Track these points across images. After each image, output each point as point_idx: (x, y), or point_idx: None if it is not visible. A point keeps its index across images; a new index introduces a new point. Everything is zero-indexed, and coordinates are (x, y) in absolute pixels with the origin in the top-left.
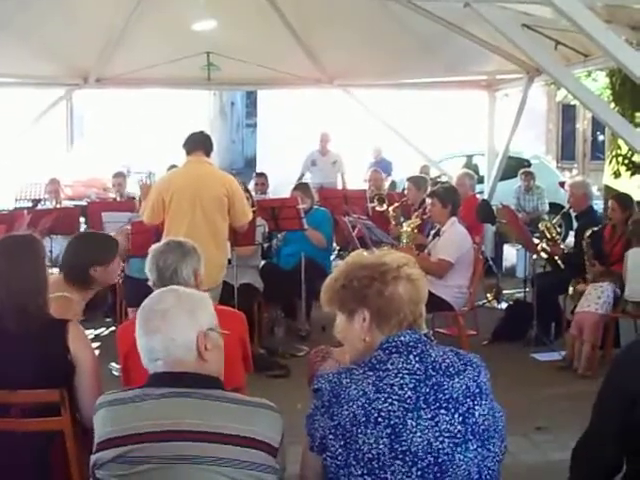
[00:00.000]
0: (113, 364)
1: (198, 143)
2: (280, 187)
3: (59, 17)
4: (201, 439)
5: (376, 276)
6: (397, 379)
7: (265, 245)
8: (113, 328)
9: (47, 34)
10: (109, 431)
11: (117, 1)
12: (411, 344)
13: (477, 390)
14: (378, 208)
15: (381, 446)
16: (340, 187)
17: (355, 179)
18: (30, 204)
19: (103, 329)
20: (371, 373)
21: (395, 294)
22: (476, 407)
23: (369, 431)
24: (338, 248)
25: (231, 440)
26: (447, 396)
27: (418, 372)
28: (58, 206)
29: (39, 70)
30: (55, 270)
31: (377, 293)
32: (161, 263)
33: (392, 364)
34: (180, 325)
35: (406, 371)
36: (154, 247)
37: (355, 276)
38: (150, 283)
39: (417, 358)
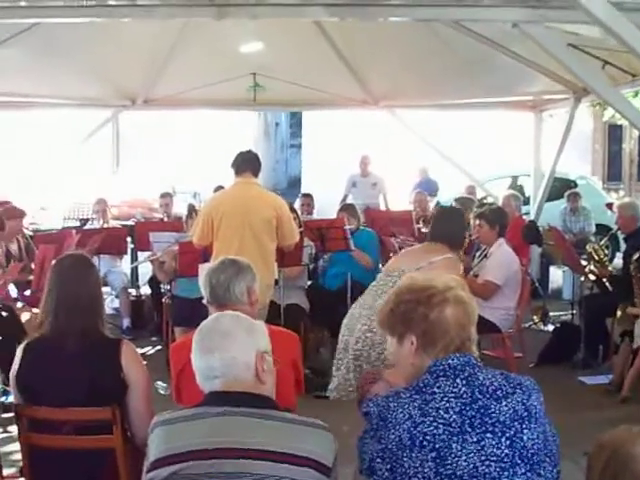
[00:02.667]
0: (159, 383)
1: (247, 164)
2: (325, 208)
3: (107, 40)
4: (256, 457)
5: (422, 300)
6: (443, 402)
7: (311, 266)
8: (159, 347)
9: (95, 56)
10: (164, 449)
11: (164, 23)
12: (459, 367)
13: (526, 413)
14: (424, 230)
15: (426, 470)
16: (383, 208)
17: (400, 200)
18: (78, 224)
19: (149, 348)
20: (417, 397)
21: (441, 318)
22: (524, 431)
23: (414, 455)
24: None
25: (286, 459)
26: (494, 420)
27: (464, 395)
28: (105, 226)
29: (87, 92)
30: (107, 289)
31: (422, 317)
32: (214, 280)
33: (439, 387)
34: (241, 344)
35: (452, 394)
36: (209, 265)
37: (402, 300)
38: (204, 301)
39: (464, 381)
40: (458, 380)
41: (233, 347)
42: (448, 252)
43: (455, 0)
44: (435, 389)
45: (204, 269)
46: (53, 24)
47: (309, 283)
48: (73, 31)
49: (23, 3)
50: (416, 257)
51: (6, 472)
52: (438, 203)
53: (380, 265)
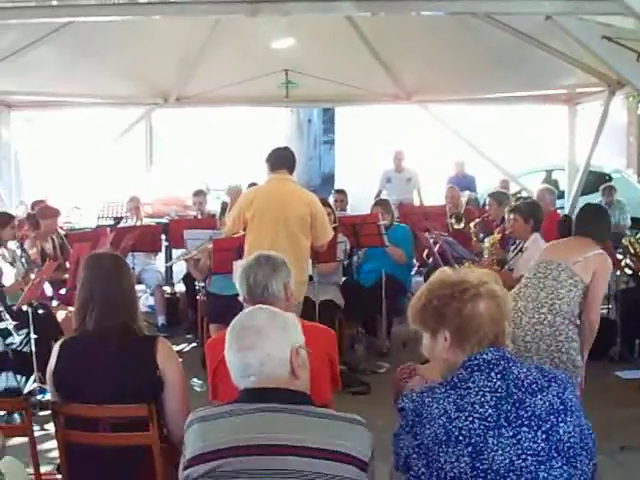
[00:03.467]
0: (194, 380)
1: (283, 160)
2: (358, 203)
3: (139, 38)
4: (293, 453)
5: (455, 294)
6: (478, 397)
7: (346, 262)
8: (194, 344)
9: (127, 55)
10: (201, 447)
11: (195, 21)
12: (493, 362)
13: (562, 407)
14: (456, 226)
15: (462, 465)
16: (417, 203)
17: (435, 195)
18: (112, 222)
19: (184, 345)
20: (452, 392)
21: (474, 312)
22: (560, 424)
23: (450, 450)
24: (418, 264)
25: (323, 454)
26: (529, 413)
27: (499, 390)
28: (139, 224)
29: (120, 90)
30: (141, 287)
31: (456, 312)
32: (251, 279)
33: (473, 382)
34: (275, 340)
35: (487, 389)
36: (244, 262)
37: (435, 295)
38: (240, 298)
39: (499, 375)
40: (493, 374)
41: (268, 344)
42: (597, 247)
43: None
44: (470, 384)
45: (239, 266)
46: (86, 23)
47: (344, 279)
48: (106, 30)
49: (55, 2)
50: (570, 251)
51: (43, 469)
52: (476, 199)
53: (414, 260)
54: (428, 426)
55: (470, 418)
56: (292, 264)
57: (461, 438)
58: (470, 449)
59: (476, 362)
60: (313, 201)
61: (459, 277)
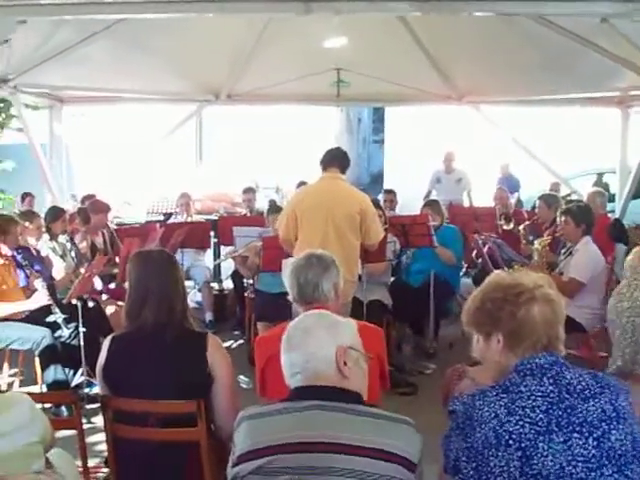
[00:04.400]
0: (241, 377)
1: (335, 159)
2: (407, 203)
3: (192, 36)
4: (341, 451)
5: (509, 298)
6: (529, 402)
7: (394, 262)
8: (241, 341)
9: (179, 51)
10: (250, 444)
11: (248, 19)
12: (546, 366)
13: (614, 414)
14: (505, 227)
15: (512, 469)
16: (467, 204)
17: (483, 196)
18: (162, 218)
19: (231, 342)
20: (504, 395)
21: (528, 316)
22: (612, 431)
23: (500, 454)
24: (467, 266)
25: (370, 453)
26: (580, 419)
27: (551, 395)
28: (189, 220)
29: (172, 87)
30: (190, 283)
31: (509, 315)
32: (302, 279)
33: (525, 386)
34: (319, 339)
35: (539, 393)
36: (294, 262)
37: (489, 298)
38: (290, 298)
39: (551, 380)
40: (545, 379)
41: (312, 343)
42: None
43: None
44: (522, 388)
45: (287, 264)
46: (139, 20)
47: (392, 279)
48: (158, 26)
49: None
50: None
51: (90, 463)
52: (518, 200)
53: (463, 261)
54: (478, 429)
55: (521, 422)
56: (341, 263)
57: (511, 442)
58: (520, 454)
59: (529, 366)
60: (363, 200)
61: (514, 280)
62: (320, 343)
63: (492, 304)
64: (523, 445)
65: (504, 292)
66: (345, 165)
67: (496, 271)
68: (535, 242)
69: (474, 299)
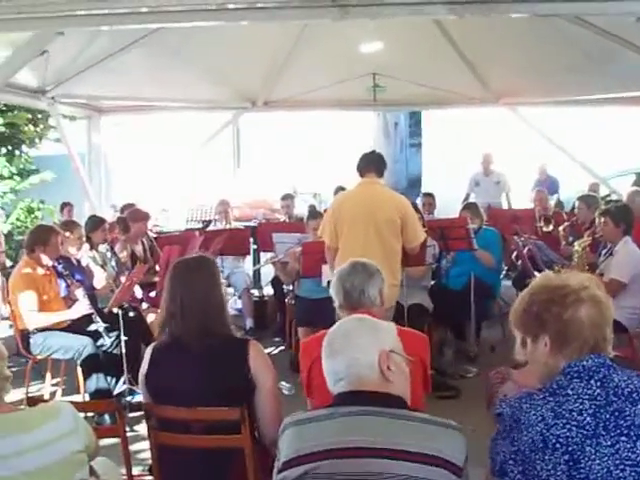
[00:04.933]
0: (283, 383)
1: (371, 164)
2: (445, 207)
3: (227, 43)
4: (386, 456)
5: (556, 299)
6: (576, 405)
7: (434, 265)
8: (282, 347)
9: (215, 59)
10: (295, 450)
11: (283, 26)
12: (593, 368)
13: None
14: (545, 229)
15: (559, 473)
16: (505, 207)
17: (521, 198)
18: (201, 225)
19: (272, 348)
20: (551, 398)
21: (575, 317)
22: None
23: (547, 457)
24: (507, 268)
25: (416, 458)
26: (629, 423)
27: (599, 398)
28: (228, 227)
29: (209, 94)
30: (230, 290)
31: (556, 317)
32: (348, 285)
33: (572, 389)
34: (362, 344)
35: (586, 396)
36: (339, 269)
37: (536, 300)
38: (336, 305)
39: (598, 383)
40: (592, 382)
41: (354, 348)
42: None
43: None
44: (569, 391)
45: (327, 270)
46: (174, 28)
47: (432, 283)
48: (195, 35)
49: (144, 9)
50: None
51: (134, 471)
52: (559, 201)
53: (503, 264)
54: (525, 432)
55: (568, 426)
56: (384, 267)
57: (558, 446)
58: (567, 457)
59: (576, 369)
60: (403, 203)
61: (561, 281)
62: (362, 348)
63: (539, 306)
64: (570, 449)
65: (551, 293)
66: (381, 168)
67: (544, 272)
68: (575, 243)
69: (521, 301)
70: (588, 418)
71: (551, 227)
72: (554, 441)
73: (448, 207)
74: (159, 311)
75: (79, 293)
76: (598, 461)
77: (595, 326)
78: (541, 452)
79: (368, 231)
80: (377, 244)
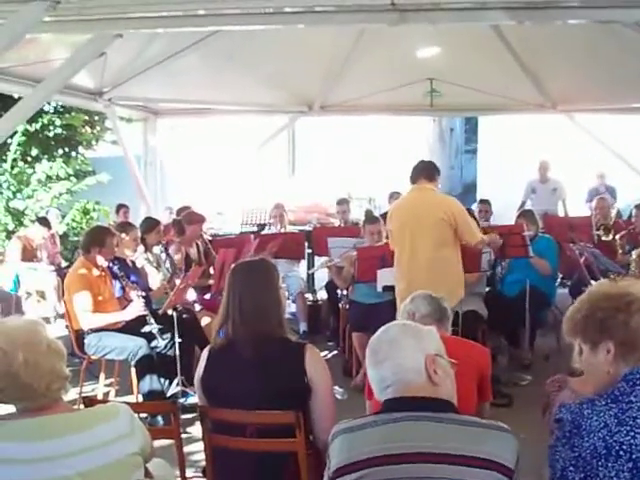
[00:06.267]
0: (336, 388)
1: (419, 171)
2: (501, 213)
3: (284, 47)
4: (435, 461)
5: (621, 307)
6: None
7: (490, 272)
8: (335, 352)
9: (272, 63)
10: (345, 457)
11: (340, 30)
12: None
13: None
14: (604, 238)
15: None
16: (561, 214)
17: (576, 205)
18: (256, 228)
19: (326, 352)
20: (613, 405)
21: None
22: None
23: (610, 464)
24: (562, 276)
25: (465, 461)
26: None
27: None
28: (283, 231)
29: (265, 98)
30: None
31: (622, 324)
32: None
33: (635, 397)
34: (407, 349)
35: None
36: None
37: (599, 307)
38: None
39: None
40: None
41: (400, 354)
42: None
43: (635, 0)
44: (632, 397)
45: (382, 275)
46: (231, 32)
47: (487, 289)
48: (252, 38)
49: (202, 12)
50: None
51: (187, 473)
52: (618, 211)
53: (558, 272)
54: (587, 438)
55: (632, 433)
56: (431, 274)
57: (622, 453)
58: (631, 465)
59: (638, 376)
60: (448, 204)
61: (622, 289)
62: (408, 353)
63: (603, 313)
64: (634, 456)
65: (615, 301)
66: (431, 173)
67: (600, 280)
68: (632, 252)
69: (580, 308)
70: None
71: (610, 236)
72: (617, 448)
73: (504, 214)
74: (218, 313)
75: (134, 294)
76: None
77: None
78: (604, 459)
79: (414, 239)
80: (424, 249)
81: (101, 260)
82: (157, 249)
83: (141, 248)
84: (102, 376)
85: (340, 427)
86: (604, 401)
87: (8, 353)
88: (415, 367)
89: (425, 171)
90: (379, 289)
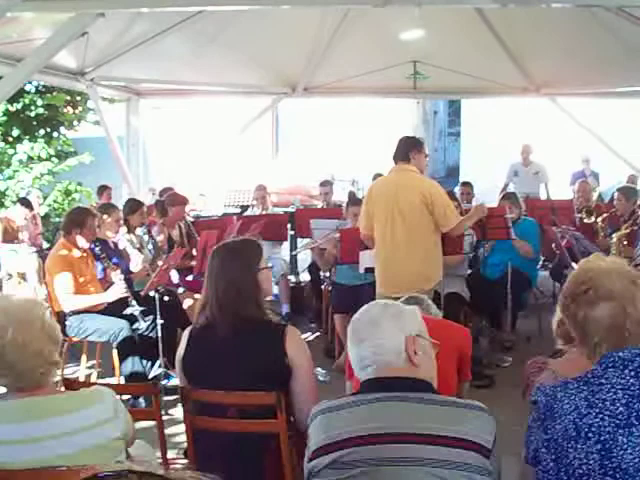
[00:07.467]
0: (318, 369)
1: (397, 151)
2: (484, 196)
3: (268, 28)
4: (412, 441)
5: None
6: (610, 394)
7: (472, 254)
8: (318, 333)
9: (256, 44)
10: (324, 438)
11: (324, 12)
12: (628, 358)
13: None
14: (586, 220)
15: (591, 462)
16: (544, 197)
17: (559, 189)
18: (238, 210)
19: (308, 334)
20: (585, 387)
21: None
22: None
23: (579, 446)
24: (543, 259)
25: (442, 441)
26: None
27: (632, 387)
28: (265, 212)
29: (249, 79)
30: None
31: (572, 316)
32: None
33: (606, 379)
34: (387, 329)
35: (620, 386)
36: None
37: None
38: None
39: (632, 373)
40: (626, 371)
41: (380, 334)
42: None
43: None
44: (603, 380)
45: (364, 257)
46: (215, 12)
47: (469, 272)
48: (235, 19)
49: None
50: None
51: (169, 454)
52: (599, 194)
53: (540, 255)
54: (559, 421)
55: (600, 415)
56: (410, 254)
57: (590, 435)
58: (599, 446)
59: (611, 359)
60: (427, 187)
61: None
62: (388, 333)
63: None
64: (602, 438)
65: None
66: (406, 151)
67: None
68: (613, 235)
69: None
70: (621, 408)
71: (593, 219)
72: (587, 430)
73: (486, 196)
74: (200, 294)
75: (115, 276)
76: (630, 450)
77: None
78: (574, 441)
79: (393, 218)
80: (403, 230)
81: (82, 241)
82: (140, 231)
83: (123, 229)
84: (84, 358)
85: (319, 407)
86: (577, 384)
87: None
88: (395, 348)
89: (400, 151)
90: (361, 271)
